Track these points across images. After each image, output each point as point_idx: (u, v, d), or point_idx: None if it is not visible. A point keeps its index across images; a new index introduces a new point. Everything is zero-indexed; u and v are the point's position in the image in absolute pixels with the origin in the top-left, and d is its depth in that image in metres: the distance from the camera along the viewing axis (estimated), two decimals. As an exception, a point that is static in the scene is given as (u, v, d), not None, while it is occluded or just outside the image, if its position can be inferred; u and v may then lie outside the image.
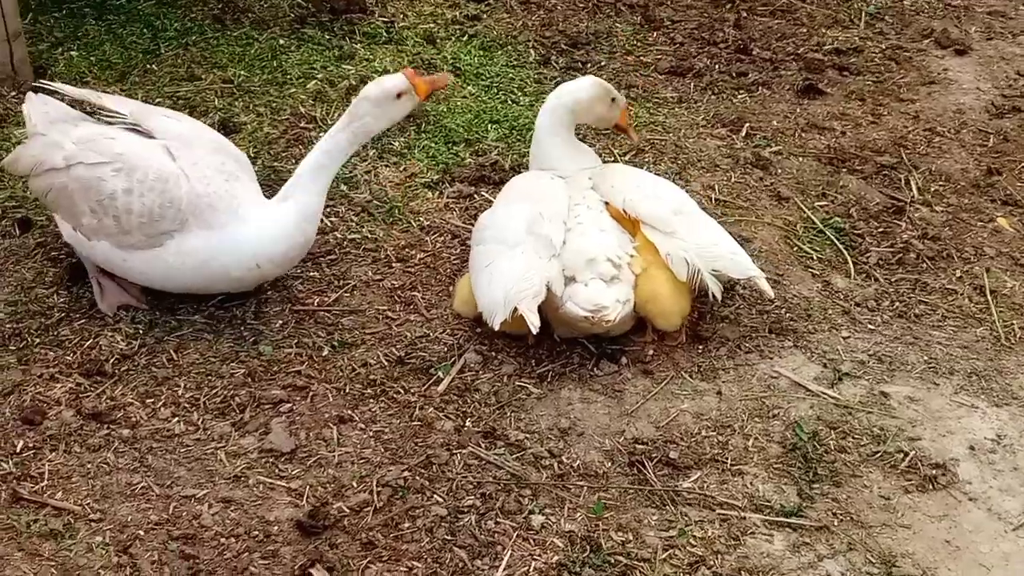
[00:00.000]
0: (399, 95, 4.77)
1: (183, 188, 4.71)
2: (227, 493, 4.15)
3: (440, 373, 4.62)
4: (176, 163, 4.79)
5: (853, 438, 4.38)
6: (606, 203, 4.89)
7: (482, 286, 4.67)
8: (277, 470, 4.24)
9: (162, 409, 4.49)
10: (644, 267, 4.69)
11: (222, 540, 3.99)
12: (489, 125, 6.18)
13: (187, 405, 4.51)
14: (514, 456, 4.28)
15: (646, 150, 6.03)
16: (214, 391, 4.56)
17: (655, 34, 7.27)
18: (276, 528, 4.02)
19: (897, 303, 5.05)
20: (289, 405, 4.49)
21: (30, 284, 5.14)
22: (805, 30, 7.33)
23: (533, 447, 4.31)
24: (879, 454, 4.33)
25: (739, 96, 6.57)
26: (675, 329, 4.74)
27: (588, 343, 4.73)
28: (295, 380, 4.59)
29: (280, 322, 4.90)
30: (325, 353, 4.74)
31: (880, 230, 5.51)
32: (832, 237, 5.41)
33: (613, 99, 5.16)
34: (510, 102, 6.45)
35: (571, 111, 5.09)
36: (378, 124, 4.81)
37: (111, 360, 4.71)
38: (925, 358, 4.75)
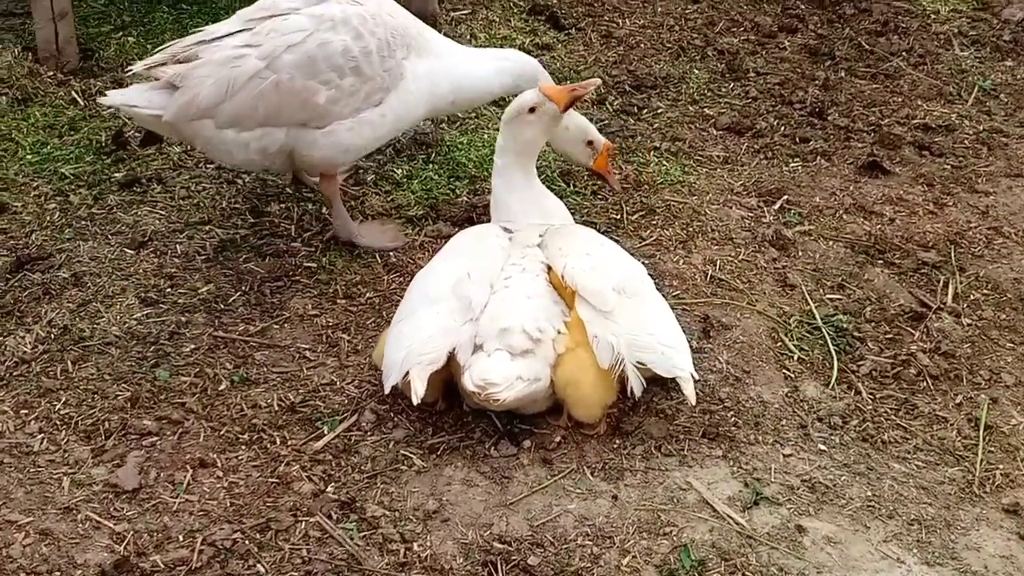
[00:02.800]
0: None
1: (398, 16, 4.87)
2: (50, 525, 3.90)
3: (325, 428, 4.25)
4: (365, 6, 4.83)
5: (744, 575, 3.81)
6: (549, 267, 4.42)
7: (390, 342, 4.30)
8: (111, 508, 3.97)
9: (32, 423, 4.29)
10: (571, 347, 4.20)
11: (22, 575, 3.72)
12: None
13: (58, 422, 4.29)
14: (362, 534, 3.89)
15: (657, 212, 5.52)
16: (91, 412, 4.34)
17: (732, 85, 6.73)
18: (80, 573, 3.74)
19: (868, 424, 4.44)
20: (155, 439, 4.22)
21: (-27, 271, 5.00)
22: (900, 99, 6.67)
23: (386, 527, 3.91)
24: (771, 599, 3.77)
25: (791, 164, 5.99)
26: (594, 420, 4.25)
27: (497, 418, 4.28)
28: (173, 412, 4.31)
29: (192, 346, 4.64)
30: (222, 387, 4.45)
31: (888, 336, 4.88)
32: (827, 337, 4.81)
33: (532, 108, 4.68)
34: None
35: (516, 157, 4.65)
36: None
37: (7, 362, 4.54)
38: (868, 494, 4.13)
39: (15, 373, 4.49)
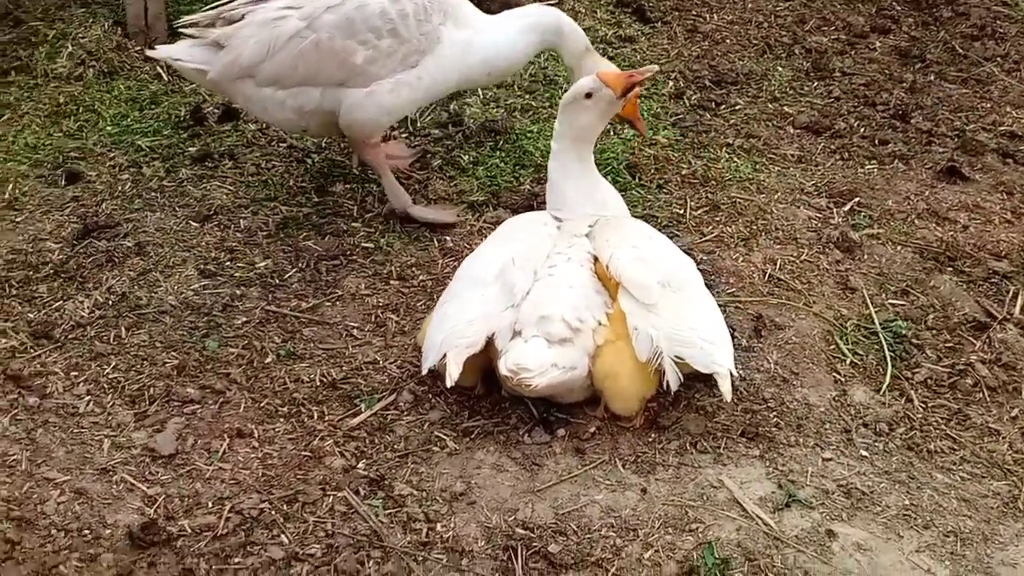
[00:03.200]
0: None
1: None
2: (86, 484, 3.99)
3: (363, 406, 4.29)
4: None
5: (765, 577, 3.75)
6: (596, 258, 4.40)
7: (432, 324, 4.32)
8: (147, 472, 4.05)
9: (80, 385, 4.39)
10: (611, 339, 4.18)
11: (53, 531, 3.84)
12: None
13: (106, 386, 4.38)
14: (387, 511, 3.91)
15: (721, 208, 5.46)
16: (138, 377, 4.42)
17: (815, 84, 6.62)
18: (109, 532, 3.83)
19: (915, 432, 4.34)
20: (197, 407, 4.29)
21: (43, 236, 5.16)
22: (988, 105, 6.50)
23: (411, 507, 3.92)
24: (794, 603, 3.71)
25: (867, 167, 5.87)
26: (630, 413, 4.22)
27: (533, 406, 4.27)
28: (217, 382, 4.38)
29: (244, 319, 4.71)
30: (268, 360, 4.50)
31: (948, 345, 4.76)
32: (884, 342, 4.71)
33: (588, 94, 4.62)
34: (611, 133, 5.98)
35: (572, 143, 4.63)
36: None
37: (64, 325, 4.65)
38: (906, 502, 4.04)
39: (71, 336, 4.59)
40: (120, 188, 5.48)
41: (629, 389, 4.17)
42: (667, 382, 4.12)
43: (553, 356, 4.09)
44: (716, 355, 4.13)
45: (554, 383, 4.07)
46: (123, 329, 4.62)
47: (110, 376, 4.41)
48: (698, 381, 4.32)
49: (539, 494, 4.00)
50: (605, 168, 5.62)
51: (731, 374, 4.13)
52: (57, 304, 4.75)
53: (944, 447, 4.30)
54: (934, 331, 4.84)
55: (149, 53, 5.03)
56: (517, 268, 4.28)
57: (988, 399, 4.53)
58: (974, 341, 4.80)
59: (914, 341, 4.76)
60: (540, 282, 4.27)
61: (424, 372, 4.22)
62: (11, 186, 5.48)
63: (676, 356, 4.11)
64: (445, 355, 4.11)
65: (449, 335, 4.16)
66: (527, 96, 6.31)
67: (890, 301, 5.00)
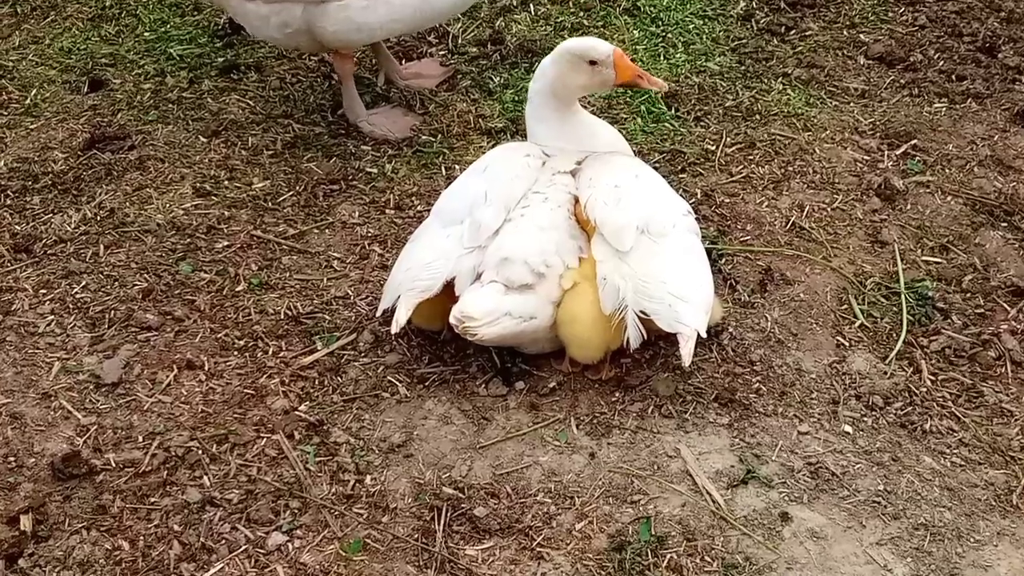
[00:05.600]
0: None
1: None
2: (24, 409, 3.93)
3: (320, 343, 4.11)
4: None
5: (699, 559, 3.47)
6: (578, 199, 4.10)
7: (397, 263, 4.10)
8: (87, 399, 3.96)
9: (46, 303, 4.32)
10: (577, 281, 3.90)
11: (-20, 456, 3.76)
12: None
13: (71, 306, 4.31)
14: (318, 459, 3.75)
15: (757, 146, 5.06)
16: (105, 299, 4.34)
17: (902, 9, 6.10)
18: (33, 461, 3.75)
19: (913, 408, 3.96)
20: (153, 334, 4.18)
21: (53, 145, 5.10)
22: (1092, 42, 5.86)
23: (343, 456, 3.75)
24: (724, 591, 3.42)
25: (935, 105, 5.37)
26: (593, 362, 3.94)
27: (497, 355, 4.03)
28: (179, 309, 4.26)
29: (226, 243, 4.58)
30: (238, 288, 4.37)
31: (978, 311, 4.34)
32: (907, 304, 4.30)
33: (593, 61, 4.24)
34: (661, 58, 5.61)
35: (551, 94, 4.28)
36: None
37: (47, 240, 4.59)
38: (880, 487, 3.68)
39: (49, 252, 4.53)
40: (139, 98, 5.37)
41: (591, 337, 3.90)
42: (627, 338, 3.80)
43: (509, 304, 3.83)
44: (684, 313, 3.80)
45: (505, 333, 3.82)
46: (102, 247, 4.53)
47: (77, 296, 4.32)
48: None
49: (481, 451, 3.77)
50: (641, 97, 5.26)
51: (698, 335, 3.79)
52: (46, 217, 4.68)
53: (943, 427, 3.92)
54: (967, 295, 4.41)
55: None
56: (487, 205, 4.01)
57: (1009, 375, 4.12)
58: (1009, 308, 4.34)
59: (939, 305, 4.34)
60: (510, 222, 3.99)
61: (379, 315, 4.00)
62: (35, 91, 5.42)
63: (640, 311, 3.79)
64: (399, 298, 3.88)
65: (405, 277, 3.93)
66: (581, 14, 5.96)
67: (924, 258, 4.57)
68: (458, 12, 5.05)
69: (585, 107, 4.63)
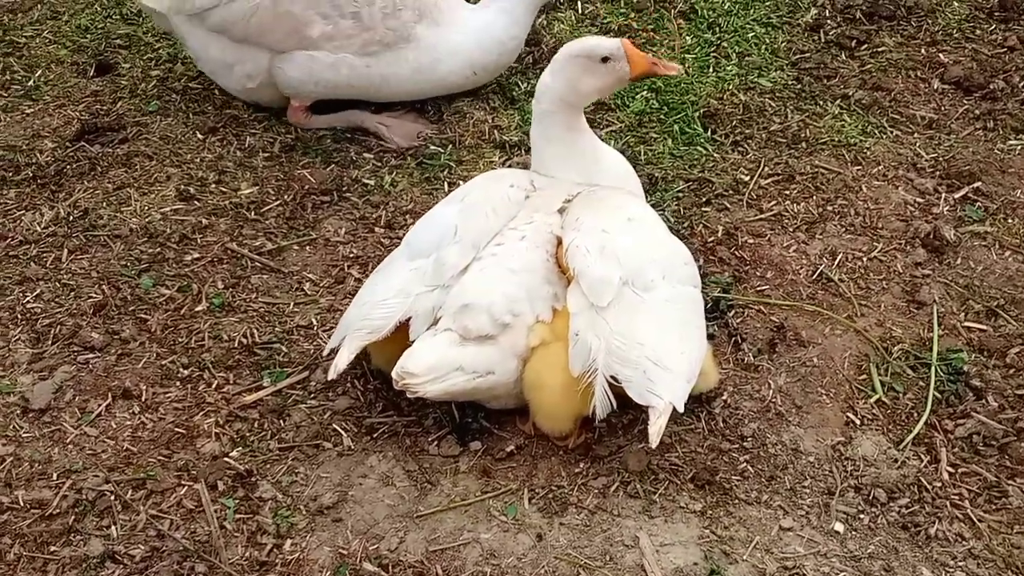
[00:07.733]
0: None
1: None
2: (-57, 432, 3.62)
3: (268, 379, 3.75)
4: None
5: (633, 677, 3.03)
6: (561, 240, 3.66)
7: (356, 296, 3.72)
8: (10, 426, 3.68)
9: (-3, 313, 4.02)
10: (548, 340, 3.47)
11: None
12: (645, 93, 4.91)
13: (20, 316, 4.05)
14: (237, 515, 3.39)
15: (797, 179, 4.55)
16: (56, 311, 4.05)
17: (993, 26, 5.48)
18: (-63, 494, 3.45)
19: (920, 507, 3.46)
20: (95, 356, 3.86)
21: (44, 133, 4.84)
22: None
23: (265, 517, 3.39)
24: None
25: (1010, 142, 4.80)
26: (560, 434, 3.52)
27: (458, 407, 3.64)
28: (129, 328, 3.95)
29: (196, 255, 4.26)
30: (198, 308, 4.04)
31: (1019, 392, 3.80)
32: (936, 378, 3.78)
33: (605, 58, 3.79)
34: (710, 69, 5.11)
35: (561, 107, 3.83)
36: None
37: (12, 240, 4.33)
38: (861, 606, 3.19)
39: (11, 254, 4.27)
40: (144, 86, 5.07)
41: (558, 405, 3.47)
42: (592, 407, 3.36)
43: (461, 357, 3.42)
44: (659, 383, 3.35)
45: (454, 391, 3.41)
46: (66, 251, 4.25)
47: (28, 306, 4.04)
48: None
49: (418, 521, 3.38)
50: (676, 115, 4.77)
51: (673, 410, 3.33)
52: (18, 214, 4.43)
53: (952, 532, 3.40)
54: (1009, 371, 3.86)
55: None
56: (454, 241, 3.59)
57: (1044, 474, 3.55)
58: (1057, 391, 3.78)
59: (974, 382, 3.80)
60: (479, 261, 3.57)
61: (324, 354, 3.62)
62: (40, 72, 5.15)
63: (611, 376, 3.35)
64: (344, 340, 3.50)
65: (356, 315, 3.54)
66: (632, 15, 5.47)
67: (966, 323, 4.02)
68: (415, 99, 4.84)
69: (612, 123, 4.17)
